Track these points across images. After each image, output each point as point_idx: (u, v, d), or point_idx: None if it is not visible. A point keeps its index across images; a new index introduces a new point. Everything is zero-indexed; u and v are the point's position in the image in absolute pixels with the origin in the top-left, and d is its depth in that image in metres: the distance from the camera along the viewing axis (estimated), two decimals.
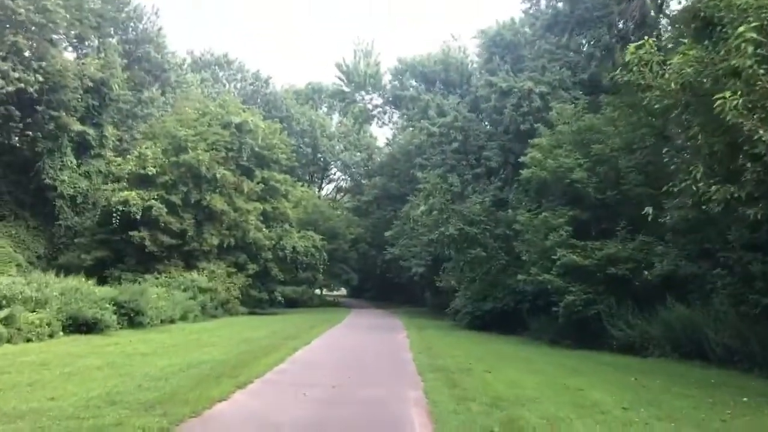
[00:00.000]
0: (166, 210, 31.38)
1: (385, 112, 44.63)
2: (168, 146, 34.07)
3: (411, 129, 41.52)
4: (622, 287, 18.48)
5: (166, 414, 8.22)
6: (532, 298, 23.75)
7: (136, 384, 10.43)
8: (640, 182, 18.82)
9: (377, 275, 60.44)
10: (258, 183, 37.43)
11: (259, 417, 8.56)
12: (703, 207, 10.16)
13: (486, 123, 28.23)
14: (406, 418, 8.85)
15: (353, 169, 66.88)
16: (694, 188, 9.99)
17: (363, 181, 63.49)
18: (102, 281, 26.36)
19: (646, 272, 17.51)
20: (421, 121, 30.73)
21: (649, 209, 11.44)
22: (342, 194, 71.97)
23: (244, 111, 39.09)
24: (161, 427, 7.56)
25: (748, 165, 8.77)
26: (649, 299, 17.67)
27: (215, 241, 33.79)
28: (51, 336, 17.58)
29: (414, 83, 39.10)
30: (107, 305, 20.47)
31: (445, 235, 26.26)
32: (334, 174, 72.32)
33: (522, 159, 22.17)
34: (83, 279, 22.42)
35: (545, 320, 22.58)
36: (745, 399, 10.57)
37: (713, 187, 9.43)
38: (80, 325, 19.09)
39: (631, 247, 18.46)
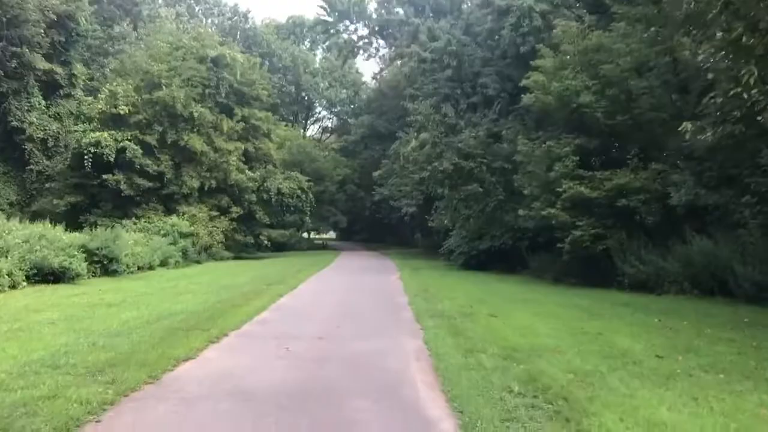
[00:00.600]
0: (141, 151, 29.61)
1: (371, 44, 42.23)
2: (140, 83, 31.93)
3: (399, 62, 39.30)
4: (633, 220, 17.05)
5: (114, 381, 6.75)
6: (533, 235, 22.41)
7: (91, 342, 8.96)
8: (654, 105, 17.16)
9: (366, 217, 59.24)
10: (238, 121, 35.56)
11: (230, 380, 7.09)
12: (758, 118, 8.60)
13: (479, 50, 26.15)
14: (407, 377, 7.43)
15: (339, 108, 64.57)
16: (745, 96, 8.39)
17: (349, 121, 61.33)
18: (77, 227, 24.81)
19: (659, 203, 16.11)
20: (411, 46, 28.58)
21: (687, 125, 9.81)
22: (328, 134, 69.77)
23: (221, 45, 36.68)
24: (104, 399, 6.07)
25: None
26: (664, 233, 16.30)
27: (195, 184, 32.20)
28: (13, 287, 16.14)
29: (401, 10, 36.66)
30: (76, 252, 18.93)
31: (439, 171, 24.60)
32: (319, 113, 69.95)
33: (523, 83, 20.33)
34: (49, 225, 20.75)
35: (547, 258, 21.28)
36: None
37: None
38: (46, 275, 17.60)
39: (643, 176, 16.94)
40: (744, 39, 9.03)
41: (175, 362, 7.84)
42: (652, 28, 15.57)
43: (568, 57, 19.02)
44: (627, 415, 5.67)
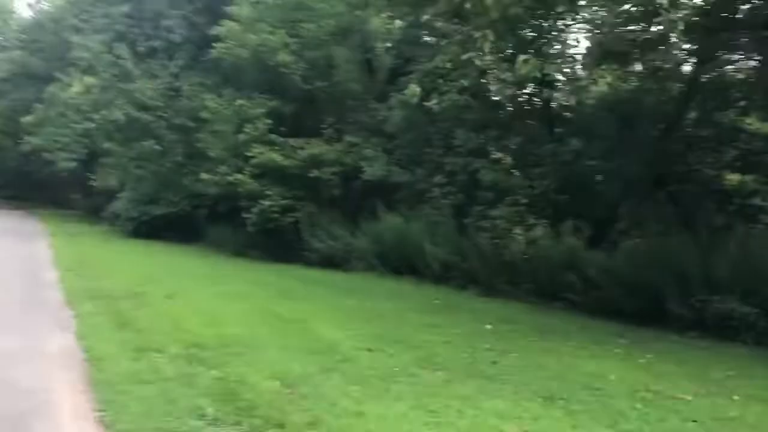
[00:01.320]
0: None
1: None
2: None
3: None
4: (325, 193, 16.32)
5: None
6: (214, 203, 20.43)
7: None
8: (350, 77, 16.55)
9: (12, 169, 50.23)
10: None
11: None
12: (490, 88, 8.04)
13: None
14: (49, 400, 5.07)
15: None
16: (479, 63, 7.75)
17: None
18: None
19: (351, 177, 15.62)
20: None
21: (415, 88, 8.99)
22: None
23: None
24: None
25: None
26: (355, 208, 15.85)
27: None
28: None
29: None
30: None
31: (109, 121, 21.05)
32: None
33: (215, 31, 18.07)
34: None
35: (228, 228, 19.53)
36: (488, 326, 9.04)
37: (523, 56, 7.23)
38: None
39: (338, 148, 16.27)
40: (468, 5, 8.41)
41: None
42: None
43: (267, 10, 17.38)
44: None
